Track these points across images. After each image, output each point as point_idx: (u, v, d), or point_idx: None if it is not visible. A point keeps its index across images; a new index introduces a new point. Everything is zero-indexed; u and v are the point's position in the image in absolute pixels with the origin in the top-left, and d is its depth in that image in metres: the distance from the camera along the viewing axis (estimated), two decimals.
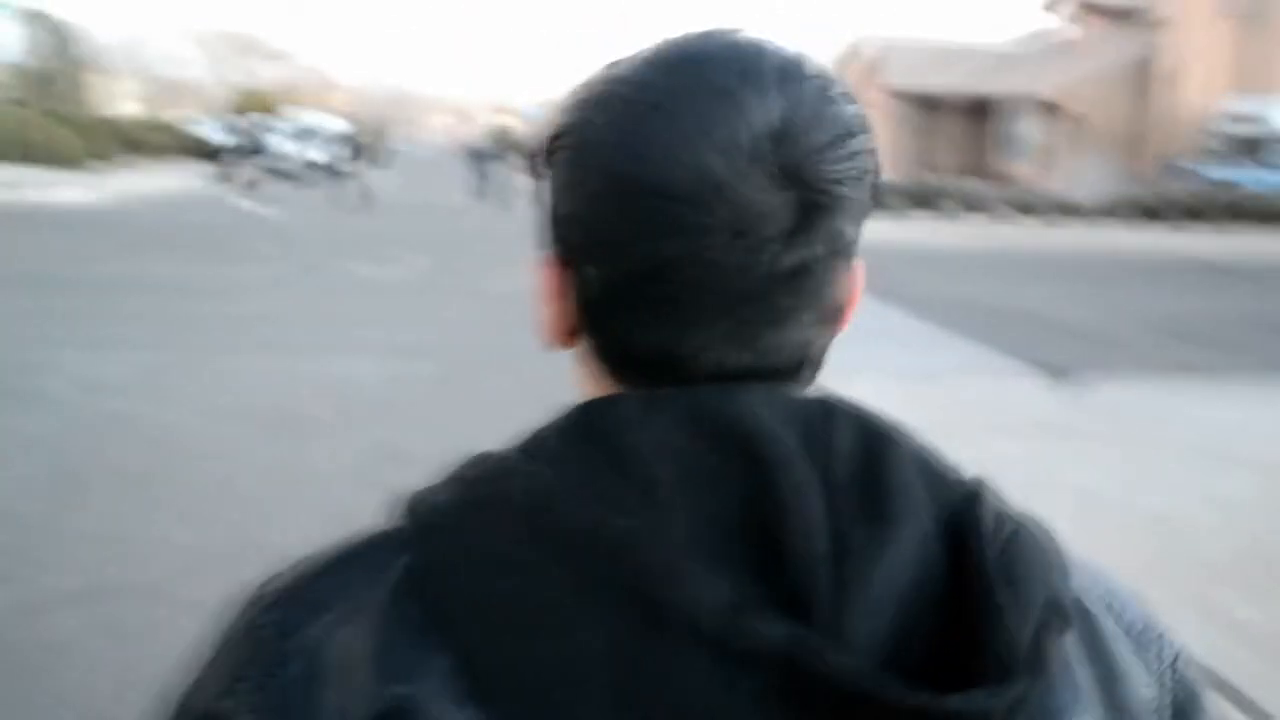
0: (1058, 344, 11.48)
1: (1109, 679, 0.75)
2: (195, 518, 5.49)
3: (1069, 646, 0.73)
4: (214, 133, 41.61)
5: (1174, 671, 0.81)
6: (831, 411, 0.72)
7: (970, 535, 0.70)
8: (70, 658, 4.05)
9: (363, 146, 25.98)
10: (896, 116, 39.14)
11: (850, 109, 0.74)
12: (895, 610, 0.66)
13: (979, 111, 37.73)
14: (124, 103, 62.76)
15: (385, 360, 9.10)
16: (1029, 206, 29.56)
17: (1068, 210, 29.45)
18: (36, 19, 53.35)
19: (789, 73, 0.73)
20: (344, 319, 11.18)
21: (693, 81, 0.71)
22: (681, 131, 0.69)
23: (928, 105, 38.74)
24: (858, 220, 0.74)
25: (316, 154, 43.85)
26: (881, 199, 0.77)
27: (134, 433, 6.86)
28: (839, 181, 0.71)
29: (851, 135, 0.73)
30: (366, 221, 21.77)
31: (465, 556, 0.67)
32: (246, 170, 31.42)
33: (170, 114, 61.21)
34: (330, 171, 43.86)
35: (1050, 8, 38.97)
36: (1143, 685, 0.78)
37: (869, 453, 0.71)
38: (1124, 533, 6.09)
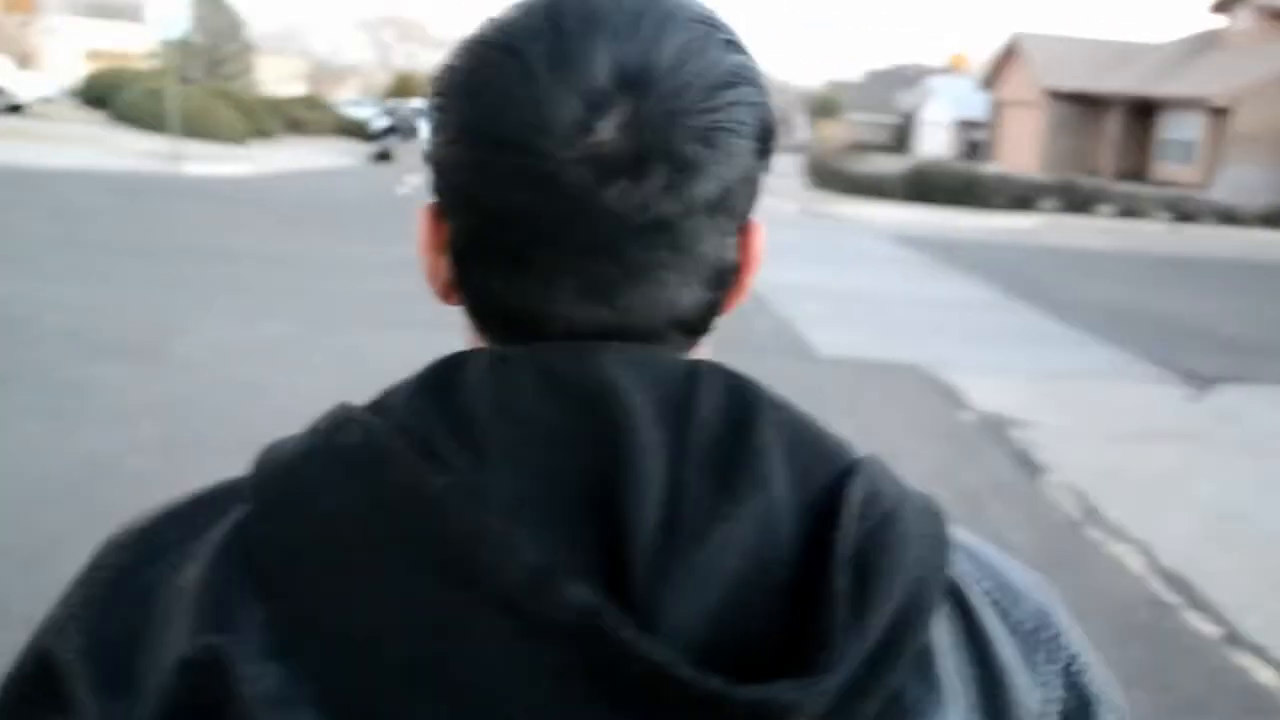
0: (1205, 353, 11.04)
1: (986, 678, 0.69)
2: None
3: (940, 641, 0.67)
4: (369, 114, 42.53)
5: (1066, 675, 0.74)
6: (697, 377, 0.67)
7: (832, 515, 0.64)
8: None
9: None
10: (1053, 116, 38.20)
11: (732, 58, 0.69)
12: (728, 589, 0.61)
13: (1140, 113, 36.55)
14: (288, 84, 64.60)
15: None
16: (1189, 213, 28.59)
17: (1229, 218, 28.40)
18: (207, 1, 55.24)
19: (663, 16, 0.68)
20: None
21: (552, 23, 0.67)
22: (530, 76, 0.66)
23: (1087, 105, 37.70)
24: (737, 177, 0.69)
25: None
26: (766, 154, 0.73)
27: (260, 401, 7.01)
28: (708, 133, 0.66)
29: (728, 86, 0.68)
30: None
31: (291, 508, 0.65)
32: (400, 151, 32.09)
33: (331, 96, 62.85)
34: None
35: (1220, 9, 37.56)
36: (1026, 687, 0.71)
37: (733, 423, 0.66)
38: (1258, 549, 5.83)
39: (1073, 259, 19.83)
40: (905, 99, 62.95)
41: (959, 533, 0.73)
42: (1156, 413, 8.60)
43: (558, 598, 0.59)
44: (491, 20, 0.70)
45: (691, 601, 0.60)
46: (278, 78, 63.63)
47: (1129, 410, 8.63)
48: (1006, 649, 0.71)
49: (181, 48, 51.27)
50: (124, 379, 7.19)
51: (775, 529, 0.63)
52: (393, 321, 9.68)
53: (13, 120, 30.99)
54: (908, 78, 67.35)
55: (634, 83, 0.65)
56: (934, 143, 52.90)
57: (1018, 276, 16.17)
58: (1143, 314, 13.48)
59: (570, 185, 0.65)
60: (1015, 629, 0.72)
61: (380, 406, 0.69)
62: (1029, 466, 6.85)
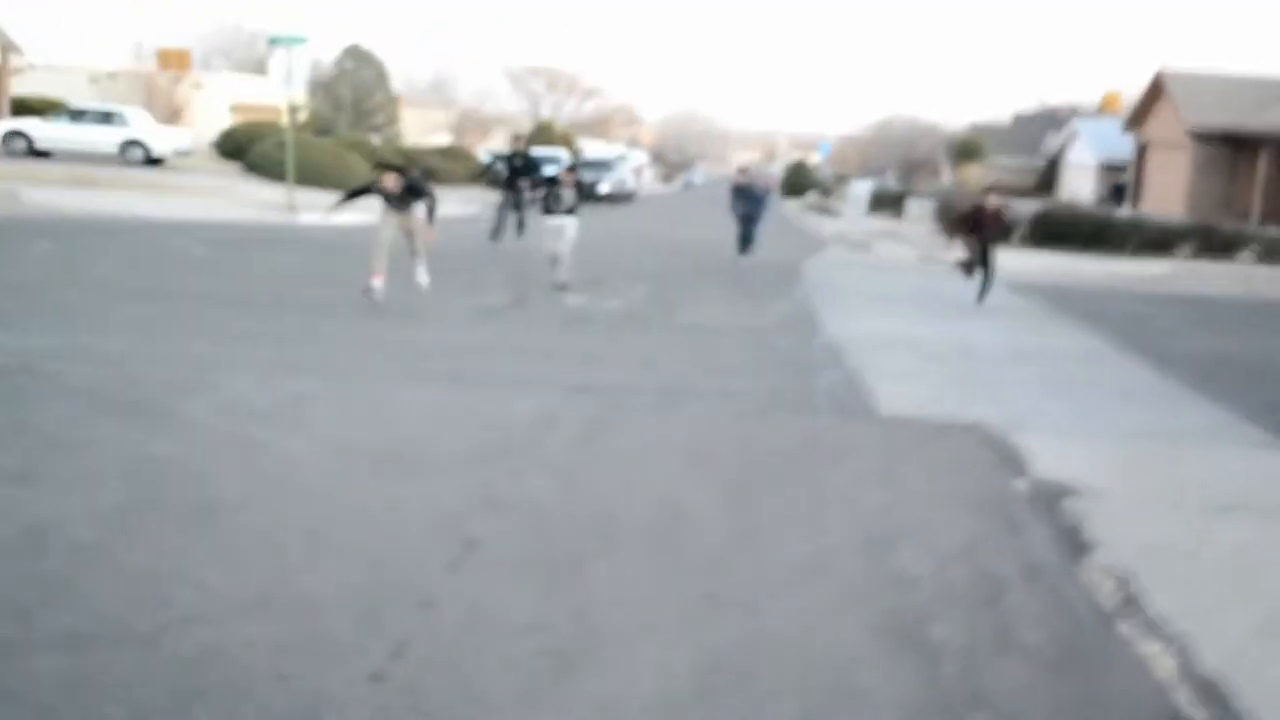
0: None
1: None
2: (249, 558, 5.19)
3: None
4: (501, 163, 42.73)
5: None
6: None
7: None
8: (21, 712, 3.75)
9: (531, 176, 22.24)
10: (1199, 158, 36.52)
11: None
12: None
13: None
14: (435, 134, 65.69)
15: (546, 397, 8.72)
16: None
17: None
18: (355, 54, 56.67)
19: None
20: (529, 352, 10.89)
21: None
22: None
23: (1235, 146, 35.90)
24: None
25: (604, 185, 44.77)
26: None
27: (248, 462, 6.68)
28: None
29: None
30: (603, 253, 21.31)
31: None
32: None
33: (477, 145, 63.66)
34: (613, 200, 44.75)
35: None
36: None
37: None
38: None
39: (1202, 308, 18.67)
40: (1053, 141, 61.25)
41: None
42: (1249, 483, 7.71)
43: None
44: None
45: None
46: (425, 128, 64.81)
47: (1216, 479, 7.76)
48: None
49: (325, 100, 52.55)
50: (121, 439, 6.92)
51: None
52: (427, 377, 9.36)
53: (148, 173, 31.87)
54: (1057, 120, 65.53)
55: None
56: (1078, 186, 51.20)
57: (1134, 327, 15.20)
58: (1267, 370, 12.44)
59: None
60: None
61: None
62: (1073, 545, 6.10)
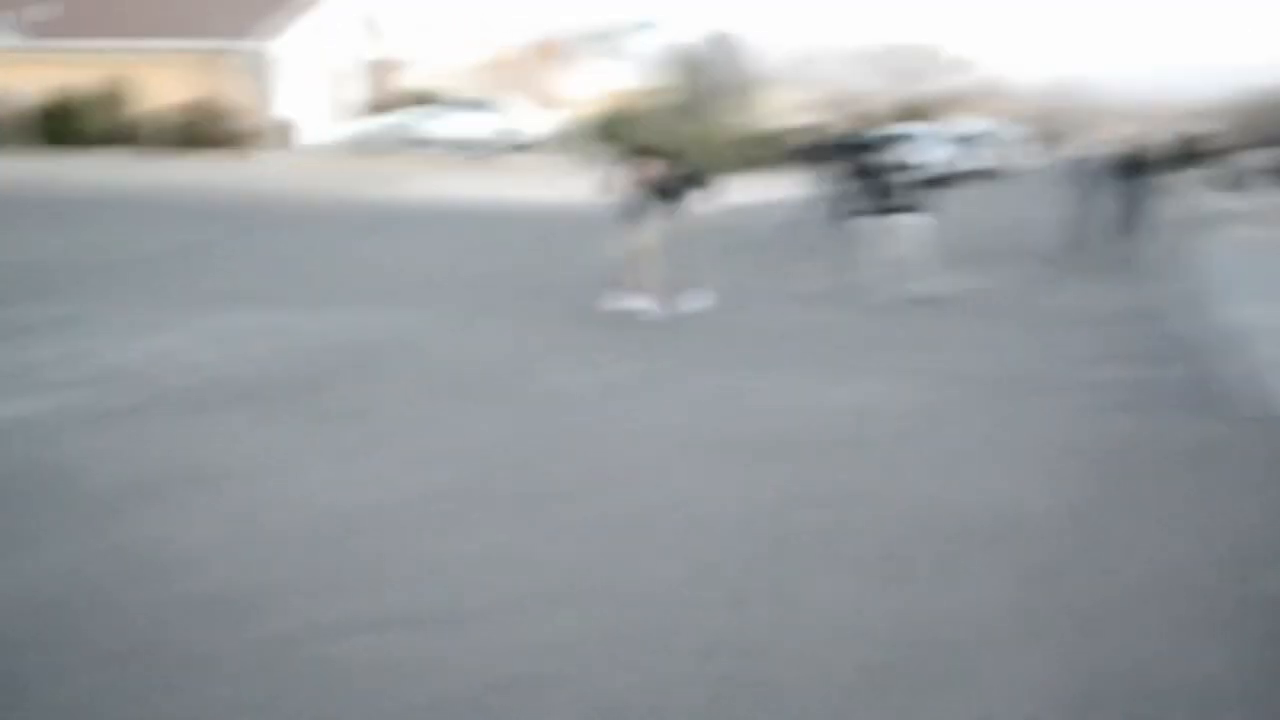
0: None
1: None
2: (556, 550, 5.08)
3: None
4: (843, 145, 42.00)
5: None
6: None
7: None
8: (334, 688, 3.75)
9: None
10: None
11: None
12: None
13: None
14: (793, 114, 65.61)
15: (880, 385, 8.29)
16: None
17: None
18: (714, 36, 57.19)
19: None
20: (885, 341, 10.36)
21: None
22: None
23: None
24: None
25: (963, 162, 43.25)
26: None
27: (571, 449, 6.61)
28: None
29: None
30: (959, 235, 20.10)
31: None
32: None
33: (842, 125, 63.03)
34: (980, 176, 43.18)
35: None
36: None
37: None
38: None
39: None
40: None
41: None
42: None
43: None
44: None
45: None
46: (789, 108, 64.79)
47: None
48: None
49: (686, 82, 53.41)
50: (450, 421, 7.04)
51: None
52: (764, 362, 9.09)
53: (520, 158, 33.25)
54: None
55: None
56: None
57: None
58: None
59: None
60: None
61: None
62: None
